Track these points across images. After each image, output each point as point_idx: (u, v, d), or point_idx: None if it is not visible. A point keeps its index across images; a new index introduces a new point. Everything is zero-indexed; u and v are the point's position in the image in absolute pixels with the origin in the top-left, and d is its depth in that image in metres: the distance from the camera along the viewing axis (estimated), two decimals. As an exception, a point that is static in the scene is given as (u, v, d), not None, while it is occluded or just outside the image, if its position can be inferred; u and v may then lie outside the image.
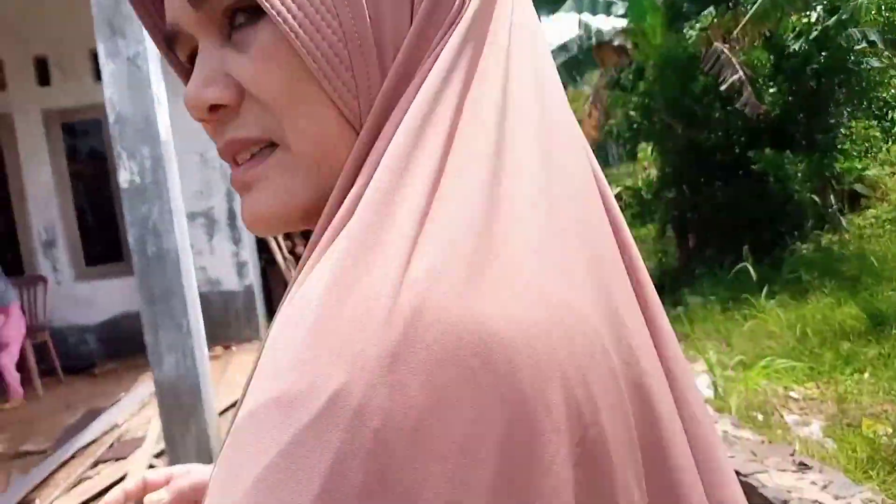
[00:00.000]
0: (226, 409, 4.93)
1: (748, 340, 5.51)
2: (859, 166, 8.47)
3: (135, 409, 5.27)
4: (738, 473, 2.89)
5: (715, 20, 7.56)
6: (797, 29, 7.45)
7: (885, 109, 7.82)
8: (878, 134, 8.49)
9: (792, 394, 4.46)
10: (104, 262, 7.09)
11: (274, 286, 8.30)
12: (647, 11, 8.22)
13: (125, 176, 3.11)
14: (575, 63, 10.36)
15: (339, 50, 0.39)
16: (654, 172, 9.94)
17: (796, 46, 7.26)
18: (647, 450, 0.37)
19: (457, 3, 0.40)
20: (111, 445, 4.53)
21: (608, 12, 10.43)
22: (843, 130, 7.89)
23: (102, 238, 7.24)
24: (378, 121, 0.39)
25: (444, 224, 0.34)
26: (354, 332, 0.31)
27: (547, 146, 0.40)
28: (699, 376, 4.64)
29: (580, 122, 11.27)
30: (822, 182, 8.25)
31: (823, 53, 7.25)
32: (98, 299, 6.97)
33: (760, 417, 4.10)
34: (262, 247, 8.08)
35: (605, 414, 0.34)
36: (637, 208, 9.56)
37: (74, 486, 3.99)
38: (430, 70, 0.38)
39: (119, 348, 6.88)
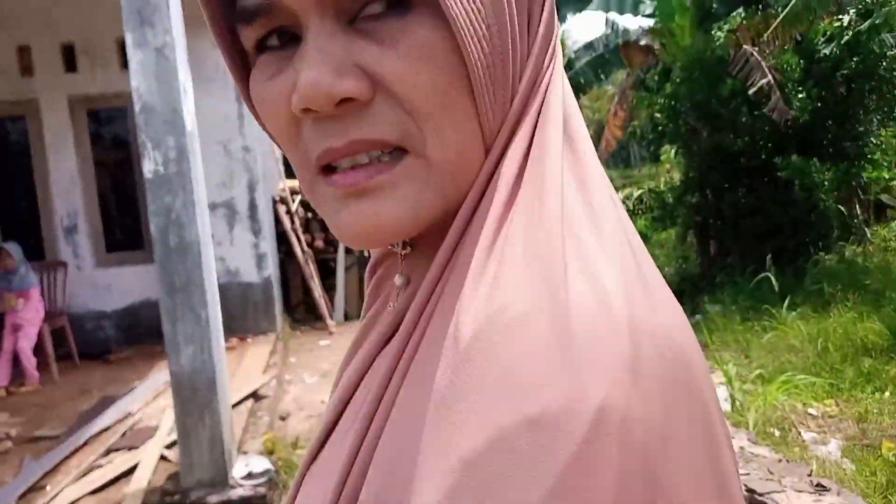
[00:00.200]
0: (239, 402, 4.93)
1: (768, 353, 5.43)
2: (887, 176, 8.33)
3: (149, 398, 5.28)
4: (753, 493, 2.85)
5: (744, 22, 7.44)
6: (828, 33, 7.32)
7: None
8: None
9: (811, 410, 4.39)
10: (124, 250, 7.12)
11: (291, 278, 8.32)
12: (676, 11, 8.11)
13: (149, 166, 3.10)
14: (601, 62, 10.29)
15: (496, 65, 0.39)
16: (676, 176, 9.84)
17: (827, 51, 7.13)
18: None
19: (553, 29, 0.43)
20: (124, 434, 4.54)
21: (636, 11, 10.34)
22: (872, 139, 7.75)
23: (123, 225, 7.28)
24: (506, 141, 0.40)
25: (608, 244, 0.37)
26: (591, 345, 0.32)
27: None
28: (717, 389, 4.58)
29: (605, 121, 11.22)
30: (849, 191, 8.12)
31: (855, 59, 7.11)
32: (117, 286, 7.00)
33: (778, 434, 4.03)
34: (281, 239, 8.10)
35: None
36: (659, 212, 9.47)
37: (85, 473, 3.99)
38: (542, 99, 0.41)
39: (135, 336, 6.93)
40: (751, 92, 6.85)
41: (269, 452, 4.14)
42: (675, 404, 0.33)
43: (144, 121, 3.07)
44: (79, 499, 3.68)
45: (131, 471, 3.93)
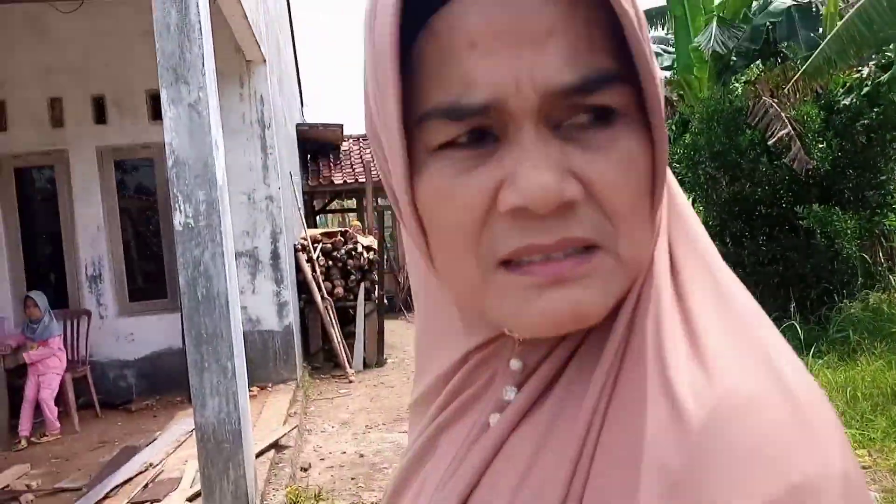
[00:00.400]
0: (261, 453, 4.89)
1: (797, 402, 5.33)
2: (909, 224, 8.27)
3: (170, 449, 5.25)
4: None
5: (762, 74, 7.51)
6: (847, 84, 7.36)
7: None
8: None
9: (844, 461, 4.29)
10: (147, 299, 7.18)
11: (311, 326, 8.33)
12: (694, 64, 8.20)
13: (180, 218, 3.15)
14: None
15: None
16: (696, 224, 9.78)
17: (847, 102, 7.17)
18: None
19: None
20: (146, 486, 4.51)
21: (652, 63, 10.42)
22: (893, 187, 7.73)
23: (146, 274, 7.35)
24: (659, 232, 0.46)
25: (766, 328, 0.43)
26: (820, 422, 0.38)
27: None
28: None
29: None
30: (872, 239, 8.07)
31: (875, 109, 7.14)
32: (139, 335, 7.03)
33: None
34: (301, 288, 8.13)
35: None
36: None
37: (109, 526, 3.96)
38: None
39: (156, 385, 6.93)
40: (771, 142, 6.88)
41: (292, 505, 4.09)
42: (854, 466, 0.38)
43: (176, 174, 3.13)
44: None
45: (153, 524, 3.89)
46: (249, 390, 5.55)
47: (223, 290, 3.21)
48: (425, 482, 0.52)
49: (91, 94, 6.89)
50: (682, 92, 8.46)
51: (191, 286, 3.19)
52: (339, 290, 8.51)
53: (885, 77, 7.06)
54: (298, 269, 7.99)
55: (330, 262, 8.56)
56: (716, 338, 0.41)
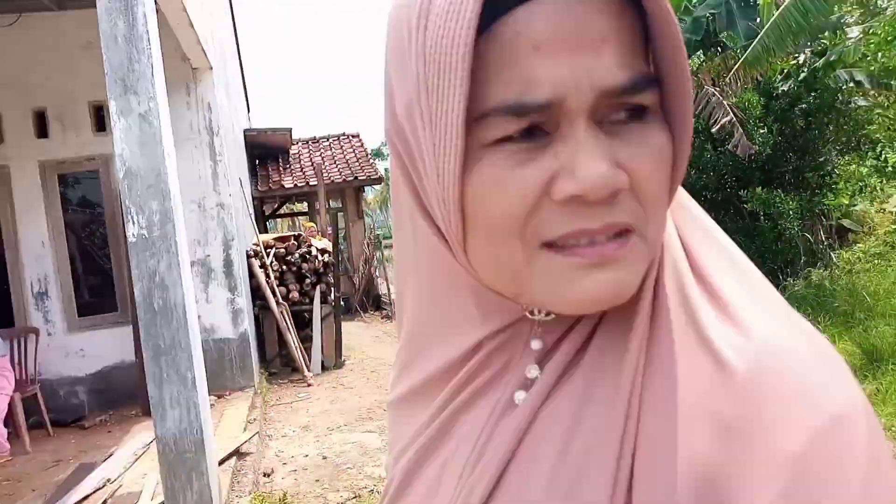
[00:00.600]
0: (222, 461, 4.83)
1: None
2: (847, 202, 8.58)
3: (128, 464, 5.14)
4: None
5: (704, 64, 7.69)
6: (785, 71, 7.60)
7: (875, 147, 7.97)
8: (863, 170, 8.63)
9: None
10: (96, 313, 7.01)
11: (266, 332, 8.24)
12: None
13: (133, 230, 3.09)
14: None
15: None
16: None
17: (785, 88, 7.40)
18: None
19: None
20: (104, 502, 4.41)
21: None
22: (831, 168, 8.01)
23: (94, 289, 7.17)
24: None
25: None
26: (838, 363, 0.44)
27: None
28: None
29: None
30: (812, 219, 8.35)
31: (812, 94, 7.40)
32: (90, 350, 6.87)
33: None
34: (256, 294, 8.04)
35: None
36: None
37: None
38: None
39: (109, 400, 6.78)
40: (714, 130, 7.06)
41: (258, 513, 4.05)
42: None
43: (128, 186, 3.07)
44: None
45: (116, 541, 3.82)
46: (208, 400, 5.48)
47: (180, 301, 3.17)
48: (445, 466, 0.54)
49: (32, 107, 6.71)
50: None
51: (146, 298, 3.13)
52: (295, 295, 8.44)
53: (820, 63, 7.30)
54: (252, 275, 7.90)
55: (284, 267, 8.48)
56: (735, 297, 0.47)
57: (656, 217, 0.46)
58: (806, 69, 7.43)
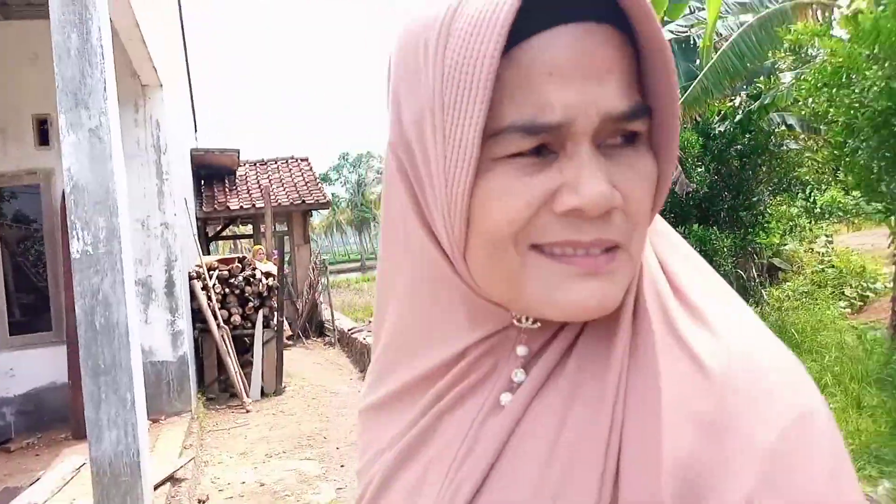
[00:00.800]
0: (157, 486, 4.72)
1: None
2: (777, 241, 8.93)
3: (55, 488, 4.97)
4: None
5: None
6: (722, 112, 7.92)
7: (805, 189, 8.33)
8: (793, 211, 9.00)
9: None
10: (29, 332, 6.78)
11: (206, 356, 8.08)
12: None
13: (77, 246, 3.03)
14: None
15: None
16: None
17: (722, 128, 7.70)
18: None
19: None
20: (33, 528, 4.26)
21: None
22: (764, 208, 8.35)
23: (28, 306, 6.94)
24: None
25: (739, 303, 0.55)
26: (795, 362, 0.50)
27: None
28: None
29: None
30: (745, 256, 8.66)
31: (747, 135, 7.72)
32: (20, 370, 6.63)
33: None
34: (196, 317, 7.89)
35: None
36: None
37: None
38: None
39: (39, 422, 6.54)
40: (654, 166, 7.27)
41: (194, 539, 3.97)
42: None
43: (74, 201, 3.02)
44: None
45: (43, 568, 3.68)
46: (144, 423, 5.34)
47: (123, 320, 3.12)
48: (430, 466, 0.57)
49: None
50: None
51: (88, 316, 3.07)
52: (237, 318, 8.32)
53: (755, 106, 7.63)
54: (193, 297, 7.76)
55: (227, 290, 8.36)
56: (708, 306, 0.52)
57: (640, 236, 0.51)
58: (741, 111, 7.77)
